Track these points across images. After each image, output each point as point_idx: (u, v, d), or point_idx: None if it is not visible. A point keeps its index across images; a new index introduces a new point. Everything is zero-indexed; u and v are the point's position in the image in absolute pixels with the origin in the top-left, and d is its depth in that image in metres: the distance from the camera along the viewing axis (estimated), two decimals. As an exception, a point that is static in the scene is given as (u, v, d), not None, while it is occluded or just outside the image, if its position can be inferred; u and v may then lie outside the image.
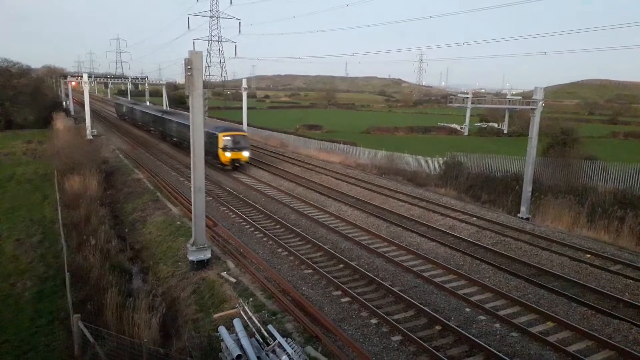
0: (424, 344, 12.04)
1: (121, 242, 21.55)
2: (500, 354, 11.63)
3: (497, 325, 13.45)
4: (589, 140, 49.39)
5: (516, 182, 28.70)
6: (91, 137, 52.95)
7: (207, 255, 17.37)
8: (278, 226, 22.39)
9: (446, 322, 13.28)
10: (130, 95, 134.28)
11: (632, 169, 28.19)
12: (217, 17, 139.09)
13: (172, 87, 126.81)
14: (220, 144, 34.79)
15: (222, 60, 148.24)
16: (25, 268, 18.54)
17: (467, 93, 26.18)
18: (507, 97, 28.32)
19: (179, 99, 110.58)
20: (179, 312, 15.17)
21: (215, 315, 13.83)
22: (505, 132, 26.84)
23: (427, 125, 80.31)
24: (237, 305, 13.72)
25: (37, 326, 14.37)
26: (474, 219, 23.52)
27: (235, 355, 10.83)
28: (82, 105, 61.86)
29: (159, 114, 53.63)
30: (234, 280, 15.99)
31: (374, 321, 13.46)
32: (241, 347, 11.29)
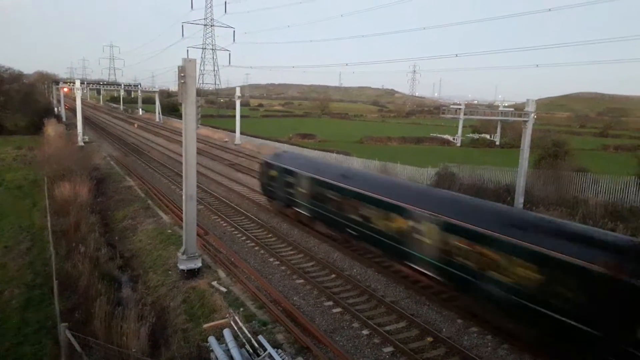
0: (416, 356, 11.97)
1: (111, 250, 21.33)
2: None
3: (489, 336, 13.41)
4: (580, 153, 49.67)
5: (508, 194, 28.76)
6: (82, 144, 52.70)
7: (198, 264, 17.23)
8: (270, 235, 22.28)
9: (438, 333, 13.22)
10: (123, 102, 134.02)
11: (623, 182, 28.40)
12: (211, 26, 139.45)
13: (165, 94, 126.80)
14: None
15: (216, 69, 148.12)
16: (13, 276, 18.31)
17: (459, 104, 26.36)
18: (500, 108, 28.54)
19: (172, 107, 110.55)
20: (168, 322, 15.00)
21: (205, 325, 13.69)
22: (497, 143, 27.09)
23: (420, 136, 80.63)
24: (228, 315, 13.60)
25: (24, 335, 14.17)
26: (466, 229, 23.48)
27: (224, 366, 10.71)
28: (74, 111, 61.56)
29: None
30: (224, 289, 15.86)
31: (365, 332, 13.38)
32: (231, 357, 11.18)
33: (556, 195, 28.88)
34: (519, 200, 25.12)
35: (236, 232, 22.56)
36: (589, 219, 24.25)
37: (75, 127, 56.84)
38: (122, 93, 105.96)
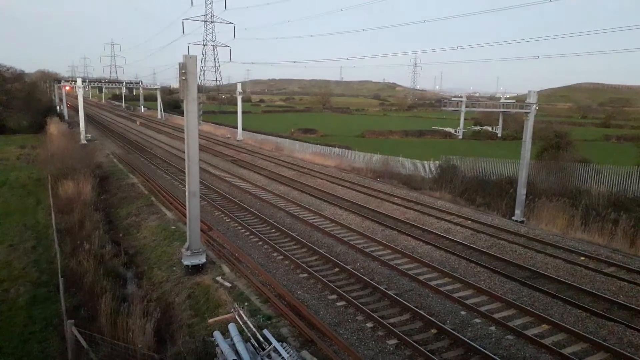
0: (420, 348, 12.03)
1: (115, 247, 21.41)
2: (495, 357, 11.63)
3: (493, 328, 13.46)
4: (583, 144, 49.64)
5: (510, 185, 28.81)
6: (85, 142, 52.83)
7: (202, 259, 17.31)
8: (273, 230, 22.34)
9: (442, 325, 13.27)
10: (125, 100, 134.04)
11: (625, 172, 28.38)
12: (211, 22, 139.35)
13: (167, 91, 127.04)
14: None
15: (217, 65, 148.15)
16: (19, 274, 18.41)
17: (461, 97, 26.28)
18: (501, 100, 28.46)
19: (173, 104, 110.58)
20: (173, 317, 15.08)
21: (210, 320, 13.77)
22: (499, 135, 26.96)
23: (421, 129, 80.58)
24: (232, 309, 13.66)
25: (31, 332, 14.26)
26: (469, 222, 23.56)
27: (230, 360, 10.78)
28: (76, 109, 61.65)
29: None
30: (229, 284, 15.94)
31: (369, 325, 13.44)
32: (236, 352, 11.24)
33: (559, 186, 28.92)
34: (522, 191, 25.10)
35: (240, 228, 22.62)
36: (592, 210, 24.25)
37: (78, 125, 56.96)
38: (123, 91, 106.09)
